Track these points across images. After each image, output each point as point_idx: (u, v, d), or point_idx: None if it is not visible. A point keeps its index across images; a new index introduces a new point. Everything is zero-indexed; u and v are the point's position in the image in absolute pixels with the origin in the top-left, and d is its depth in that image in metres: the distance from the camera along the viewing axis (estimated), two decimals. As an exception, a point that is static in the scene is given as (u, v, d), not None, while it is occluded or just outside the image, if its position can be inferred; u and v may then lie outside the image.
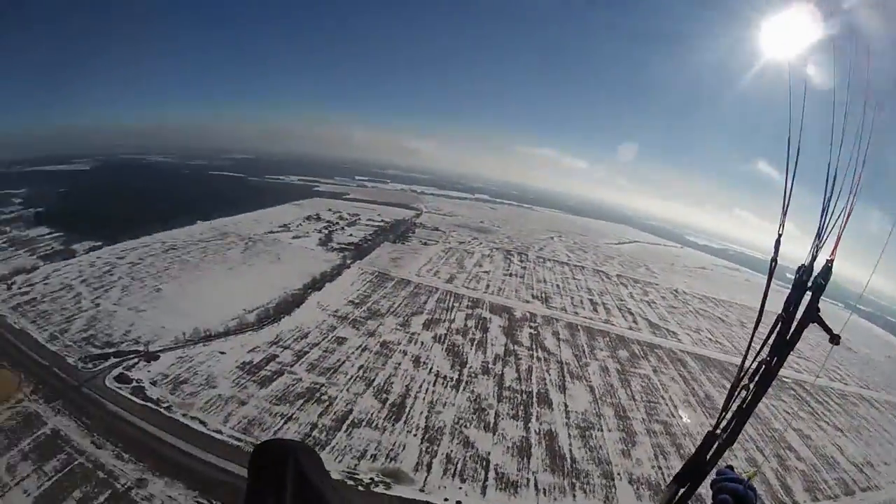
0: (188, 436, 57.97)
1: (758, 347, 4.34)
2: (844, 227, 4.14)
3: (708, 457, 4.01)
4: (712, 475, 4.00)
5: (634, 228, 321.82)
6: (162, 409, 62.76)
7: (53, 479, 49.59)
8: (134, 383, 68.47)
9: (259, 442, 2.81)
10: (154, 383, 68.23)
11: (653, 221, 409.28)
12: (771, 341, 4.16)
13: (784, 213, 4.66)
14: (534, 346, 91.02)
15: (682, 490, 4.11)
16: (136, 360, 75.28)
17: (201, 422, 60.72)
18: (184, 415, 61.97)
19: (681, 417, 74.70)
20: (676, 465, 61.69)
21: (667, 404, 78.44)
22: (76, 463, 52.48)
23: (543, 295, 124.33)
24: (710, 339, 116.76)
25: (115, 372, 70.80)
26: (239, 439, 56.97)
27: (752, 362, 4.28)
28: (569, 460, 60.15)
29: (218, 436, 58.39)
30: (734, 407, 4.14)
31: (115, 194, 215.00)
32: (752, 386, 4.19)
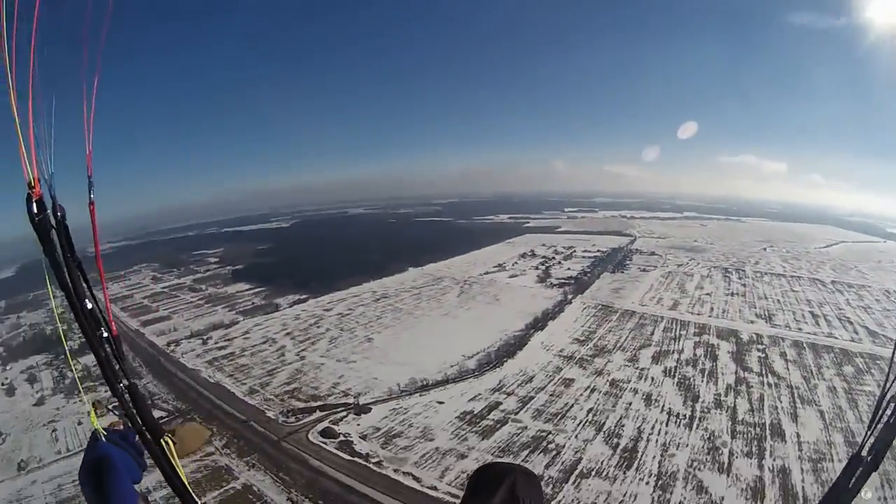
0: (399, 492, 54.17)
1: None
2: None
3: (851, 483, 3.34)
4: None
5: (836, 227, 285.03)
6: (371, 465, 59.48)
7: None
8: (341, 437, 65.60)
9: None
10: (364, 437, 65.72)
11: (852, 217, 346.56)
12: None
13: None
14: (763, 371, 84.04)
15: None
16: (344, 413, 72.22)
17: (415, 477, 56.95)
18: (395, 470, 58.39)
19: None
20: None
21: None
22: (269, 520, 49.51)
23: (766, 313, 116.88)
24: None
25: (321, 426, 68.55)
26: (456, 496, 52.02)
27: None
28: (801, 500, 52.19)
29: (433, 492, 54.11)
30: (881, 425, 3.43)
31: (318, 248, 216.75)
32: None
